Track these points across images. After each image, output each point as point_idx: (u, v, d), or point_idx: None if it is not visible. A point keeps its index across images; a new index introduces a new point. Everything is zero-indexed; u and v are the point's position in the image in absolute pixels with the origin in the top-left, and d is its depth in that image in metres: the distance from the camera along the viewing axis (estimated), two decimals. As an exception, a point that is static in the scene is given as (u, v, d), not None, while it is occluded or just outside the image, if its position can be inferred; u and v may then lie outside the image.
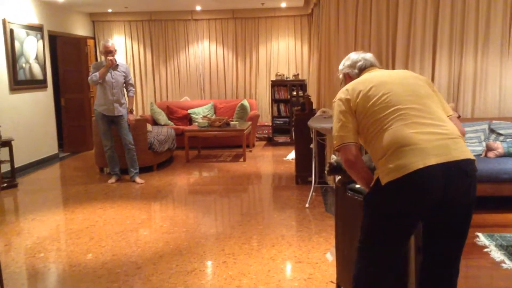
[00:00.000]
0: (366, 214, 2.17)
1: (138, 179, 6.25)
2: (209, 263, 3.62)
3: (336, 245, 2.98)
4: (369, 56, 2.51)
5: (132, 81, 6.31)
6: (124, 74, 6.16)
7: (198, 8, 9.47)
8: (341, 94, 2.29)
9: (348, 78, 2.52)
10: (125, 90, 6.24)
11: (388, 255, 2.13)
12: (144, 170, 6.75)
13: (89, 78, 6.15)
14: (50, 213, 5.02)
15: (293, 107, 7.84)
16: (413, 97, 2.14)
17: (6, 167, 6.29)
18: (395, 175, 1.96)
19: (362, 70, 2.47)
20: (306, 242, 3.96)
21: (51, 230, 4.47)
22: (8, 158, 6.19)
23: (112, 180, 6.29)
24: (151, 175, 6.70)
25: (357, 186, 2.68)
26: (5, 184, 6.06)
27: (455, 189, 1.98)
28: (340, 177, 2.83)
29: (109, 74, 6.02)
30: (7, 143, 6.14)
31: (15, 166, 6.40)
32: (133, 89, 6.30)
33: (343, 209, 2.86)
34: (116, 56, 6.12)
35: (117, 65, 6.08)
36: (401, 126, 2.04)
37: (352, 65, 2.50)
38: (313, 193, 5.28)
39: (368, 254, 2.16)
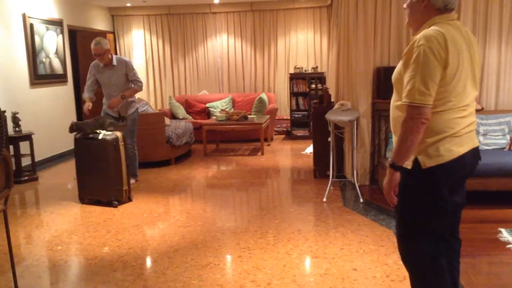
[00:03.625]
0: (407, 201, 2.12)
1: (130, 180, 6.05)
2: (224, 257, 3.59)
3: (77, 175, 5.10)
4: None
5: (136, 77, 5.62)
6: (123, 71, 5.62)
7: (216, 1, 9.43)
8: (436, 43, 1.92)
9: (428, 7, 2.05)
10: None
11: (438, 242, 2.19)
12: (162, 163, 6.77)
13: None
14: (69, 206, 5.07)
15: (312, 100, 7.75)
16: (472, 85, 2.09)
17: (26, 161, 6.39)
18: (439, 160, 2.04)
19: (449, 10, 2.05)
20: (323, 236, 3.90)
21: (69, 223, 4.51)
22: (28, 152, 6.29)
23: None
24: (169, 168, 6.71)
25: (91, 135, 4.89)
26: (25, 178, 6.15)
27: (473, 170, 2.21)
28: (79, 134, 4.96)
29: (106, 75, 5.63)
30: (28, 137, 6.23)
31: (36, 160, 6.49)
32: (139, 84, 5.66)
33: (81, 151, 5.00)
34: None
35: (113, 65, 5.58)
36: (456, 112, 2.05)
37: None
38: (331, 187, 5.20)
39: (419, 245, 2.18)
